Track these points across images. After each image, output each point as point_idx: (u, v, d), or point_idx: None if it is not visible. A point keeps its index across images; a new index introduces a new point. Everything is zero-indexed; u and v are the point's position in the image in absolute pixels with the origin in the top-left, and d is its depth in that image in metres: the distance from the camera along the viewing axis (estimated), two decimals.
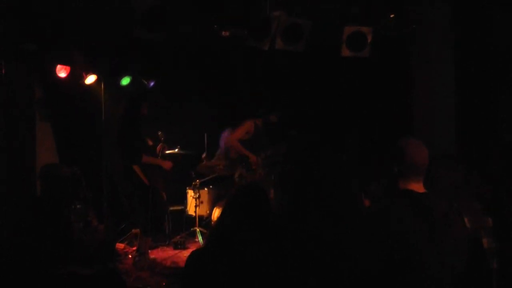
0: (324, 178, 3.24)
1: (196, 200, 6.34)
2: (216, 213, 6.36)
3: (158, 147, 5.71)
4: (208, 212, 6.55)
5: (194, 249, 2.44)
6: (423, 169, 2.38)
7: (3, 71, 4.92)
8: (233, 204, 2.40)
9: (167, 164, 5.39)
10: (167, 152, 6.01)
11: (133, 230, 6.08)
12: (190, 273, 2.29)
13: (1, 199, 5.03)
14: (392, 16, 5.60)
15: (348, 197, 3.19)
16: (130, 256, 5.58)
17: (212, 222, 6.45)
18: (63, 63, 5.75)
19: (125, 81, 6.41)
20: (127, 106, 5.25)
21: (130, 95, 5.42)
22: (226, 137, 6.01)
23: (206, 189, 6.57)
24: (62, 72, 5.86)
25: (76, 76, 5.96)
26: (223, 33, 5.30)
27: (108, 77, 6.25)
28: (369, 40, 5.47)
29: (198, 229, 6.27)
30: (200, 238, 6.17)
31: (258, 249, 2.26)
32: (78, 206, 5.50)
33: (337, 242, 2.64)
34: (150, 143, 5.48)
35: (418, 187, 2.36)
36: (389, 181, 2.48)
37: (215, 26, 5.29)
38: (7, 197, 5.07)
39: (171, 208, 6.39)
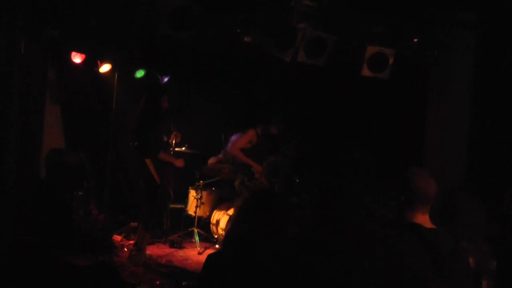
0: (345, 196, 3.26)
1: (197, 201, 6.30)
2: (216, 216, 6.33)
3: (172, 136, 5.67)
4: (208, 214, 6.51)
5: (210, 252, 2.44)
6: (430, 201, 2.40)
7: (22, 51, 4.88)
8: (248, 210, 2.39)
9: (180, 162, 5.36)
10: (176, 149, 5.97)
11: (131, 223, 6.05)
12: (208, 276, 2.27)
13: (7, 177, 4.97)
14: (415, 40, 5.57)
15: (366, 214, 3.22)
16: (126, 250, 5.54)
17: (211, 225, 6.42)
18: (80, 50, 5.72)
19: (140, 74, 6.40)
20: (148, 99, 5.20)
21: (150, 89, 5.37)
22: (230, 146, 5.92)
23: (208, 190, 6.53)
24: (77, 57, 5.84)
25: (90, 63, 5.95)
26: (246, 38, 5.25)
27: (123, 68, 6.23)
28: (390, 62, 5.45)
29: (196, 230, 6.23)
30: (197, 239, 6.13)
31: (276, 257, 2.26)
32: (80, 193, 5.46)
33: (350, 261, 2.64)
34: (165, 139, 5.45)
35: (425, 219, 2.38)
36: (396, 210, 2.49)
37: (238, 30, 5.25)
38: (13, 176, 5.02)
39: (171, 206, 6.35)
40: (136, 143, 5.18)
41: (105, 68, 6.00)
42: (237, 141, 5.67)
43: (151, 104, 5.18)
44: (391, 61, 5.42)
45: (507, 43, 5.28)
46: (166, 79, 6.56)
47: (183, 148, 6.21)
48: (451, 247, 2.32)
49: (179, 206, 6.59)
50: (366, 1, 5.22)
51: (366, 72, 5.41)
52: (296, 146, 5.87)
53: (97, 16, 4.94)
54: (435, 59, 5.54)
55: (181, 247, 6.05)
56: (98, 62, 5.97)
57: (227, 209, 6.16)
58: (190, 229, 6.33)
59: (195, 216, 6.31)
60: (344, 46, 5.32)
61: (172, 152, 5.58)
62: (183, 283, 4.69)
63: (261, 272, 2.20)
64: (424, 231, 2.31)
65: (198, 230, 6.25)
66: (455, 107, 5.66)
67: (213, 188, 6.61)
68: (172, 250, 5.94)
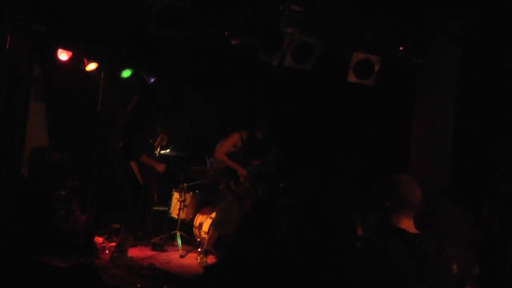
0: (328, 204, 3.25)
1: (180, 203, 6.26)
2: (199, 219, 6.30)
3: (158, 139, 5.63)
4: (191, 216, 6.48)
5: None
6: (415, 207, 2.42)
7: (7, 46, 4.82)
8: (249, 222, 2.39)
9: (161, 167, 5.30)
10: (161, 152, 5.91)
11: (114, 225, 5.99)
12: (205, 281, 2.26)
13: None
14: (401, 48, 5.60)
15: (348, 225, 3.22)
16: (107, 251, 5.48)
17: (194, 228, 6.38)
18: (66, 47, 5.67)
19: (126, 73, 6.35)
20: (139, 105, 5.16)
21: (143, 95, 5.33)
22: (215, 150, 5.86)
23: (192, 193, 6.50)
24: (63, 55, 5.78)
25: (77, 61, 5.88)
26: (233, 41, 5.25)
27: (110, 67, 6.17)
28: (376, 69, 5.48)
29: (178, 233, 6.19)
30: (179, 242, 6.08)
31: (272, 257, 2.26)
32: (62, 193, 5.40)
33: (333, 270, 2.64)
34: (150, 141, 5.40)
35: (409, 225, 2.39)
36: (381, 215, 2.50)
37: (226, 33, 5.24)
38: None
39: (154, 208, 6.28)
40: (120, 144, 5.14)
41: (91, 66, 5.95)
42: (221, 146, 5.62)
43: (142, 110, 5.15)
44: (377, 68, 5.45)
45: (491, 50, 5.36)
46: (152, 80, 6.52)
47: (168, 151, 6.17)
48: (434, 252, 2.34)
49: (162, 208, 6.54)
50: (354, 7, 5.25)
51: (352, 78, 5.43)
52: (278, 150, 5.84)
53: (85, 13, 4.89)
54: (420, 66, 5.58)
55: (163, 249, 6.01)
56: (85, 60, 5.92)
57: (210, 212, 6.13)
58: (172, 232, 6.28)
59: (178, 219, 6.27)
60: (331, 51, 5.34)
61: (157, 155, 5.54)
62: (165, 286, 4.66)
63: (259, 273, 2.20)
64: (408, 236, 2.33)
65: (181, 233, 6.21)
66: (440, 111, 5.70)
67: (197, 191, 6.58)
68: (154, 252, 5.89)
